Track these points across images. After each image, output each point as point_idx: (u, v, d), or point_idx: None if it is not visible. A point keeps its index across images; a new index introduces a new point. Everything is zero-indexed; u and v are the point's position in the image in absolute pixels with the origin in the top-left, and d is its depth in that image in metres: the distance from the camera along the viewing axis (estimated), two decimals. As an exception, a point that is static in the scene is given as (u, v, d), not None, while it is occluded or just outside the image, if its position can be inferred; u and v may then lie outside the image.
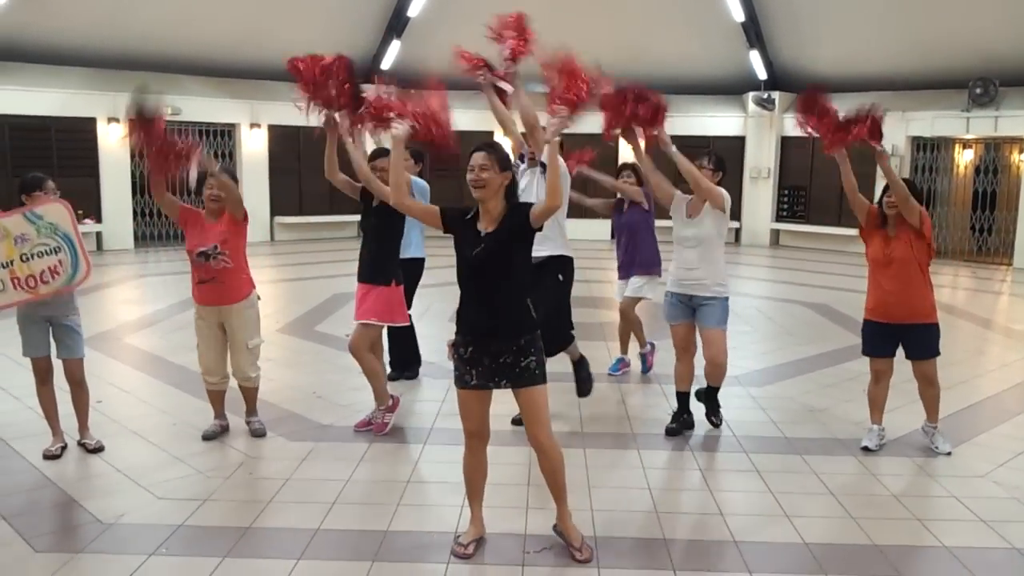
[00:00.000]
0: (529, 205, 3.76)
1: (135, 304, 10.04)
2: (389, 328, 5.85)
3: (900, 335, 5.07)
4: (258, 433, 5.32)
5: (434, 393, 6.34)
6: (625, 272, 6.81)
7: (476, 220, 3.75)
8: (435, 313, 8.87)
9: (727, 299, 5.33)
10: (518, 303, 3.72)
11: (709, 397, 5.57)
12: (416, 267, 6.40)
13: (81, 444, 5.02)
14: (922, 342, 5.07)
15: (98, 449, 4.98)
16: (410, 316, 5.97)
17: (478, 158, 3.68)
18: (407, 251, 6.05)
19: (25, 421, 5.45)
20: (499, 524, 4.10)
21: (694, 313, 5.33)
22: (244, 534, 3.99)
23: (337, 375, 6.80)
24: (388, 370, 6.30)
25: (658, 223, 6.74)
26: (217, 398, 5.34)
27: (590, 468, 4.87)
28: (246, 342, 5.20)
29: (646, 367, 6.99)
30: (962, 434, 5.54)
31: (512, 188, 3.78)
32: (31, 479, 4.61)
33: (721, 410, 5.63)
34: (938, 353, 5.12)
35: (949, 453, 5.16)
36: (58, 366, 4.99)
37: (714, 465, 5.13)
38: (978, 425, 5.79)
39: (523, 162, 5.34)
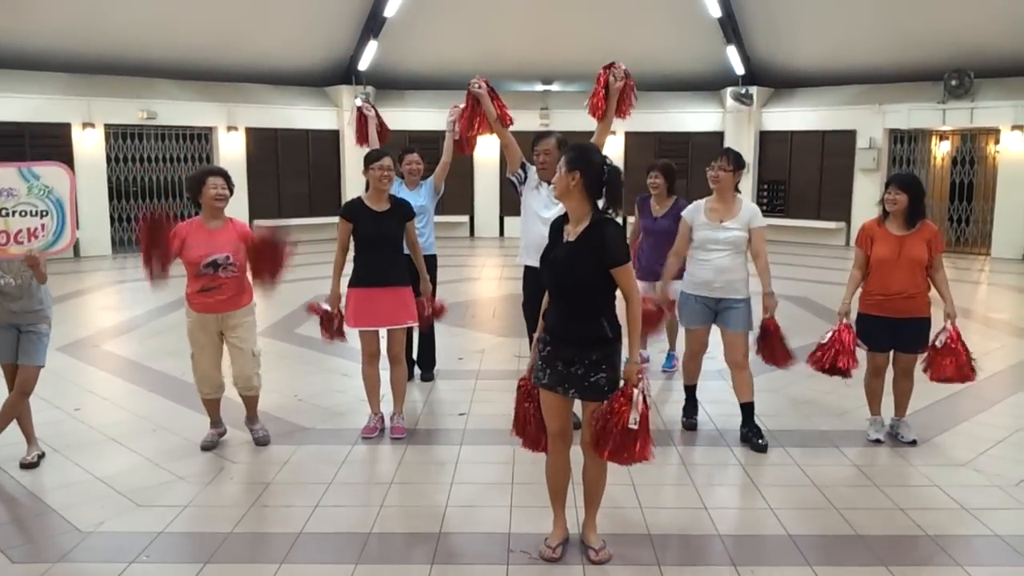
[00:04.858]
0: (616, 248, 3.49)
1: (112, 310, 9.92)
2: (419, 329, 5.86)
3: (895, 327, 5.11)
4: (262, 441, 5.23)
5: (413, 394, 6.32)
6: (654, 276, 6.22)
7: (565, 220, 3.62)
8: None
9: (750, 300, 5.35)
10: (592, 318, 3.55)
11: (748, 418, 5.31)
12: (432, 264, 6.23)
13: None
14: (915, 335, 5.13)
15: (32, 464, 4.76)
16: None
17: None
18: (426, 250, 5.97)
19: None
20: (483, 524, 4.09)
21: (715, 317, 5.35)
22: (226, 539, 3.95)
23: (317, 377, 6.76)
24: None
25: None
26: (214, 407, 5.25)
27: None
28: (251, 348, 5.17)
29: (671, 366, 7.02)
30: (943, 423, 5.57)
31: (593, 189, 3.52)
32: (7, 489, 4.53)
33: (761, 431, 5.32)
34: (926, 349, 5.16)
35: (914, 442, 5.20)
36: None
37: (695, 458, 5.13)
38: (959, 414, 5.82)
39: (525, 172, 5.26)
